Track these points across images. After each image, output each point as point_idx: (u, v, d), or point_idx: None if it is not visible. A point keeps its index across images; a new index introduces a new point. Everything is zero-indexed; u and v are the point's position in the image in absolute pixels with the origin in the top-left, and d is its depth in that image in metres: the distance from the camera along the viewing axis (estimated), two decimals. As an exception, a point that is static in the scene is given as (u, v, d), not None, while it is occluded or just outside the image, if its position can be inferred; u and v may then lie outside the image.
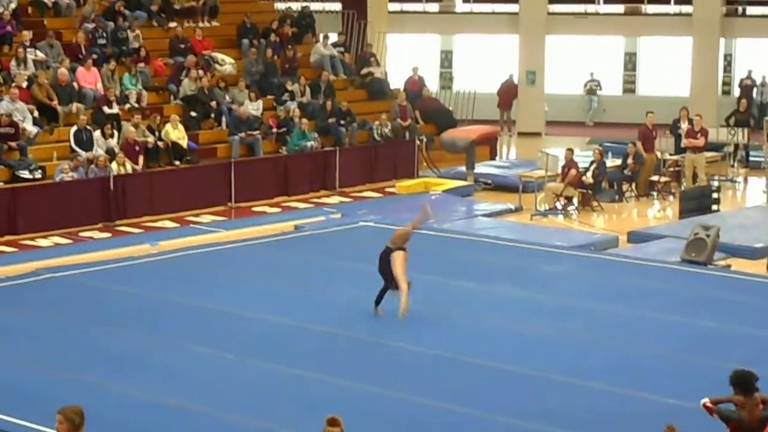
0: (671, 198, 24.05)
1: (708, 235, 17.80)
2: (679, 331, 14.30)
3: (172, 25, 27.15)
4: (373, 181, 25.03)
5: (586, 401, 11.70)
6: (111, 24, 25.56)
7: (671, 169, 25.14)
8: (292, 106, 25.89)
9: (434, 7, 37.41)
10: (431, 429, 10.94)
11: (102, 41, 25.10)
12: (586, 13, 35.25)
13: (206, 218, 21.41)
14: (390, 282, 14.15)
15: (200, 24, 27.76)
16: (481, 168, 26.04)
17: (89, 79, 23.59)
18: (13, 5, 24.46)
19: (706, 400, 8.72)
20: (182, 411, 11.24)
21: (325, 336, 13.83)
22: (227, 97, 25.16)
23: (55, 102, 22.53)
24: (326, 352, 13.22)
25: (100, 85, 23.67)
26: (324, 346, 13.47)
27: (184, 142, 23.13)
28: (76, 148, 21.54)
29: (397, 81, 30.60)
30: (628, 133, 27.26)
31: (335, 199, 23.62)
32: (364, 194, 24.24)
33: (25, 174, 20.76)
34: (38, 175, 20.91)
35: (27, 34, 23.75)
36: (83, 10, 25.71)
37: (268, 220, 21.26)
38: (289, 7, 31.78)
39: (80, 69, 23.61)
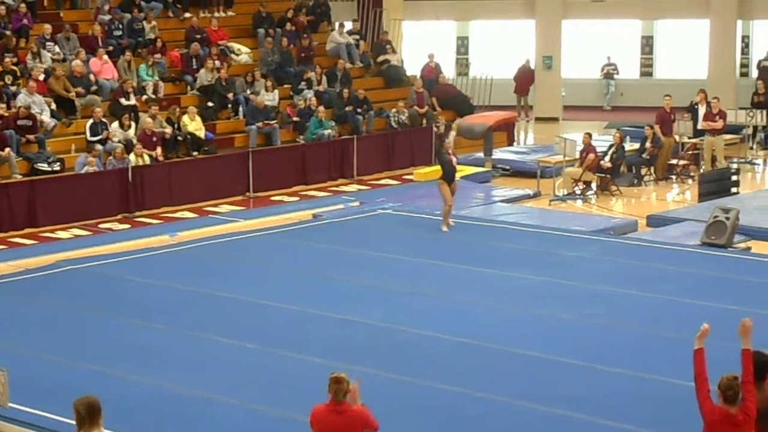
0: (690, 181, 23.98)
1: (728, 218, 17.73)
2: (699, 314, 14.21)
3: (188, 15, 27.17)
4: (391, 168, 25.03)
5: (607, 386, 11.68)
6: (127, 15, 25.59)
7: (690, 152, 25.05)
8: (309, 95, 25.87)
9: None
10: (453, 415, 10.94)
11: (118, 33, 25.13)
12: (603, -3, 35.14)
13: (225, 208, 21.47)
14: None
15: (216, 14, 27.79)
16: (498, 154, 26.00)
17: (104, 70, 23.61)
18: (28, -2, 24.51)
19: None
20: (203, 401, 11.26)
21: (345, 324, 13.84)
22: (247, 90, 25.14)
23: (73, 94, 22.57)
24: (346, 341, 13.22)
25: (116, 75, 23.71)
26: (344, 335, 13.47)
27: (201, 133, 23.15)
28: (93, 140, 21.57)
29: (413, 68, 30.57)
30: (645, 117, 27.16)
31: (353, 187, 23.63)
32: (382, 182, 24.26)
33: (43, 167, 20.81)
34: (57, 167, 20.95)
35: (45, 27, 23.81)
36: (98, 1, 25.74)
37: (287, 209, 21.28)
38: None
39: (93, 60, 23.61)
